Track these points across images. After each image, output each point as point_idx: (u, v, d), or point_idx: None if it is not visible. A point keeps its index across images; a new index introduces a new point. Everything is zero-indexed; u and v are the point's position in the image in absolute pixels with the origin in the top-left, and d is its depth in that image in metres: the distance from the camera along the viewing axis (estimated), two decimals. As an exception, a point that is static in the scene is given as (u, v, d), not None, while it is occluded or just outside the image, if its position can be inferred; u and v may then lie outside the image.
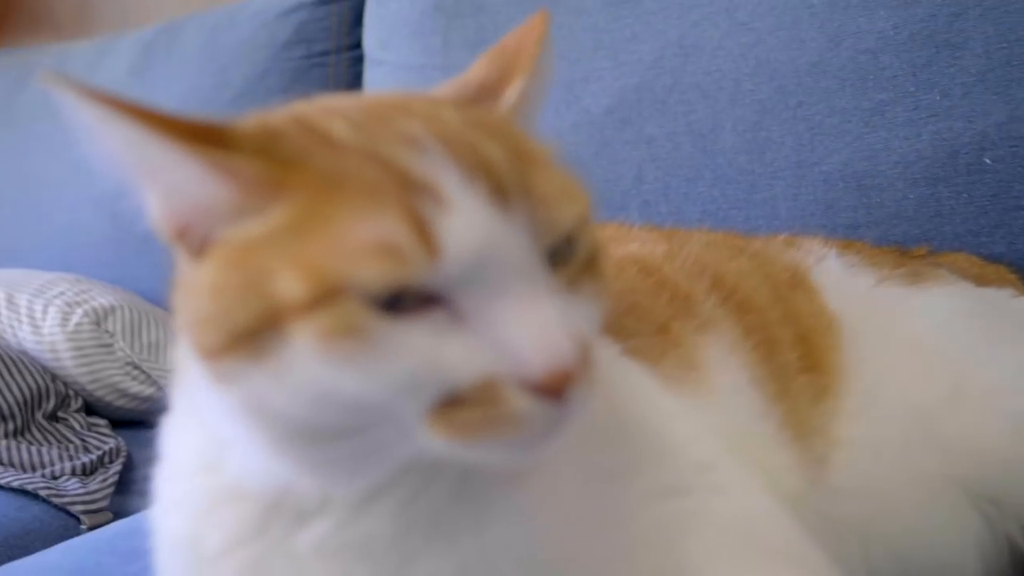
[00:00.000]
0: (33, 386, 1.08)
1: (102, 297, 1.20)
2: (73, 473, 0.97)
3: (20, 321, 1.17)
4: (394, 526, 0.41)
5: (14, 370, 1.08)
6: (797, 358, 0.60)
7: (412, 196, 0.35)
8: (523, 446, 0.38)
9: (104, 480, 0.98)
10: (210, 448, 0.45)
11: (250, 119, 0.40)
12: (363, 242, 0.34)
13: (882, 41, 0.87)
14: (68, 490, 0.95)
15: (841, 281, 0.67)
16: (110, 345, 1.16)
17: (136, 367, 1.16)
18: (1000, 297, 0.70)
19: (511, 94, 0.44)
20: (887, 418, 0.58)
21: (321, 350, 0.35)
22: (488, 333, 0.36)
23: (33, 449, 1.00)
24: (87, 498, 0.95)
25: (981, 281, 0.73)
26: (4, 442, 1.00)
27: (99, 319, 1.17)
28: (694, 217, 0.98)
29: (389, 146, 0.37)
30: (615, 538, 0.45)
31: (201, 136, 0.37)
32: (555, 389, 0.36)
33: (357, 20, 1.32)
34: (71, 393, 1.14)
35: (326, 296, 0.35)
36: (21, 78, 1.63)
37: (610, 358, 0.51)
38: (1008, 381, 0.61)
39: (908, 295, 0.66)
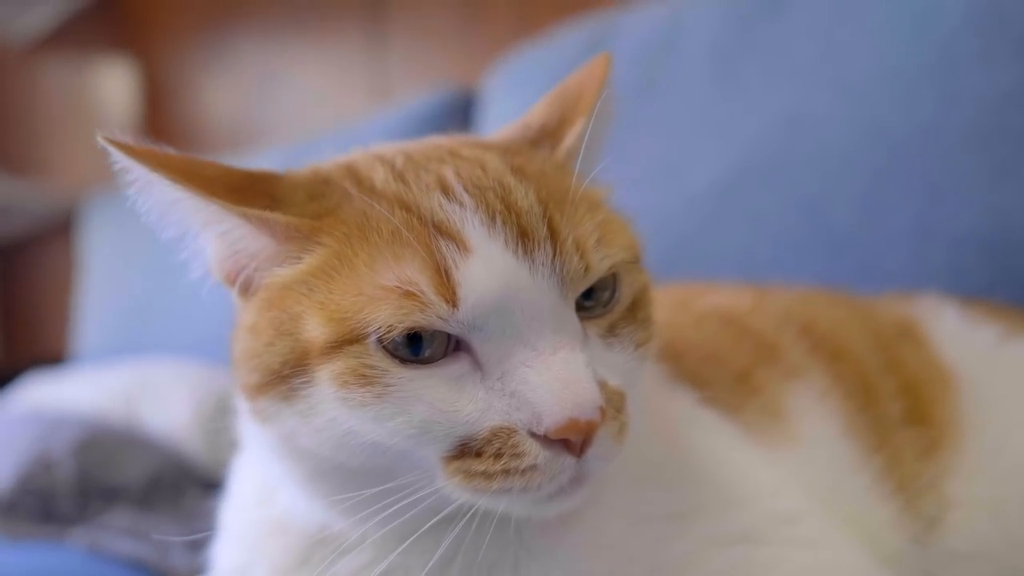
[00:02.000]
0: (158, 463, 1.17)
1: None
2: (185, 545, 1.03)
3: (153, 402, 1.28)
4: (429, 563, 0.42)
5: (142, 449, 1.17)
6: (901, 409, 0.56)
7: (435, 243, 0.37)
8: (544, 498, 0.38)
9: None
10: (264, 483, 0.48)
11: (306, 168, 0.45)
12: (382, 287, 0.37)
13: (1004, 96, 0.84)
14: (176, 561, 1.00)
15: (960, 334, 0.62)
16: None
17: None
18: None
19: (570, 137, 0.46)
20: (1012, 478, 0.52)
21: (339, 393, 0.37)
22: (506, 382, 0.37)
23: (151, 519, 1.07)
24: (193, 568, 0.99)
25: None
26: (127, 512, 1.08)
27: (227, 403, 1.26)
28: (808, 292, 0.95)
29: (422, 194, 0.40)
30: None
31: (243, 192, 0.41)
32: (571, 441, 0.36)
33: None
34: (193, 470, 1.22)
35: (346, 340, 0.37)
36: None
37: (682, 404, 0.50)
38: None
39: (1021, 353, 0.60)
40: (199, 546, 1.07)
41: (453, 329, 0.37)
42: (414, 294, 0.36)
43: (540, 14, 1.46)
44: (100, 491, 1.12)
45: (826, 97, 0.96)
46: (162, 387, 1.31)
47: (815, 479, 0.51)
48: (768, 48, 1.02)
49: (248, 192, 0.41)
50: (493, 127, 1.29)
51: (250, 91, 2.02)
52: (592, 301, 0.41)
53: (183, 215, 0.41)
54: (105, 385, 1.38)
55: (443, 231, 0.38)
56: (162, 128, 2.17)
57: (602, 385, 0.38)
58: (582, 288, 0.40)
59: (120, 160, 0.40)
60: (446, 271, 0.37)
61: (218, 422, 1.30)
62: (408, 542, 0.41)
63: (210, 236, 0.42)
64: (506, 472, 0.37)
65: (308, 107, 1.91)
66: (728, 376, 0.55)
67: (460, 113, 1.36)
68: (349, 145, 0.51)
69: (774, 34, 1.02)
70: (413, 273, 0.37)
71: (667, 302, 0.64)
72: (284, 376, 0.39)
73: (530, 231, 0.38)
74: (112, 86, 2.25)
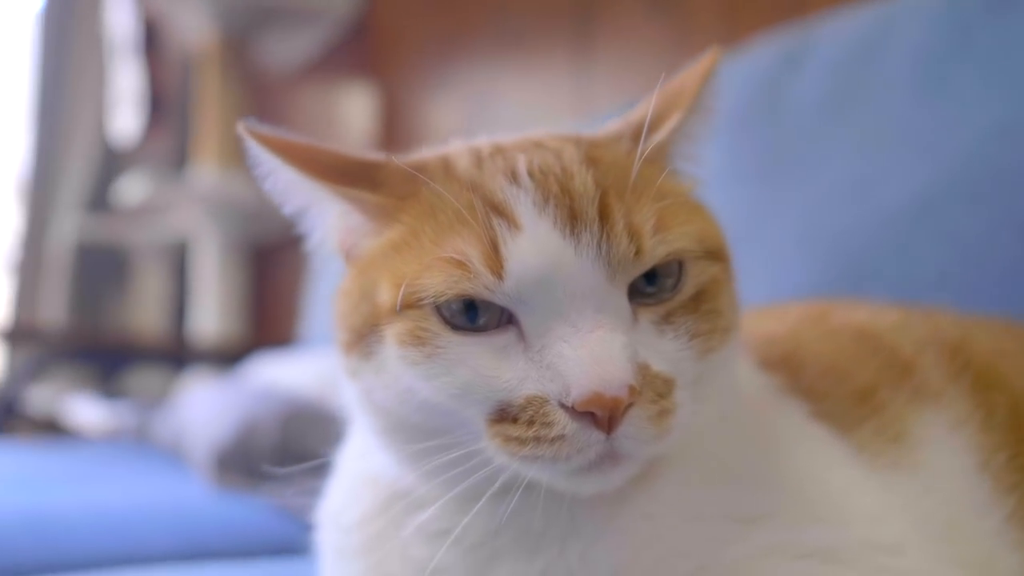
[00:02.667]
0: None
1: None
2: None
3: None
4: (485, 526, 0.44)
5: (333, 425, 1.30)
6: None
7: (490, 220, 0.41)
8: (575, 471, 0.40)
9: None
10: (364, 439, 0.52)
11: (414, 155, 0.50)
12: (440, 257, 0.41)
13: None
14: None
15: None
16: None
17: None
18: None
19: (663, 131, 0.47)
20: None
21: (399, 352, 0.42)
22: (544, 354, 0.40)
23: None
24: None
25: None
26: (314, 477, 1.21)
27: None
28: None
29: (490, 178, 0.43)
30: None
31: (350, 176, 0.46)
32: (600, 415, 0.38)
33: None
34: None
35: (407, 304, 0.41)
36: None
37: (786, 415, 0.49)
38: None
39: None
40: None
41: (500, 300, 0.40)
42: (465, 265, 0.40)
43: (749, 27, 1.42)
44: (296, 457, 1.27)
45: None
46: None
47: (932, 513, 0.46)
48: (987, 52, 0.92)
49: (355, 176, 0.46)
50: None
51: (471, 110, 2.17)
52: (654, 287, 0.42)
53: (299, 193, 0.48)
54: (313, 367, 1.55)
55: (499, 210, 0.41)
56: (396, 145, 2.40)
57: (642, 367, 0.40)
58: (635, 272, 0.41)
59: (251, 147, 0.47)
60: (496, 246, 0.40)
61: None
62: (468, 504, 0.43)
63: (322, 211, 0.48)
64: (537, 439, 0.39)
65: (521, 124, 2.01)
66: (847, 392, 0.51)
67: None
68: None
69: (995, 36, 0.92)
70: (467, 246, 0.40)
71: (803, 315, 0.61)
72: (364, 335, 0.44)
73: (580, 213, 0.40)
74: (356, 109, 2.52)
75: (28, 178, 2.91)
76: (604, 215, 0.41)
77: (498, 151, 0.47)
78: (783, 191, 1.07)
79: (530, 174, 0.43)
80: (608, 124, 0.52)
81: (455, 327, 0.41)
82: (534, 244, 0.40)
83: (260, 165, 0.47)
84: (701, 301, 0.43)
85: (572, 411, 0.38)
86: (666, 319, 0.42)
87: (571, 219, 0.40)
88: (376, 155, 0.49)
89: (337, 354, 0.48)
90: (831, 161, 1.02)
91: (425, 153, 0.50)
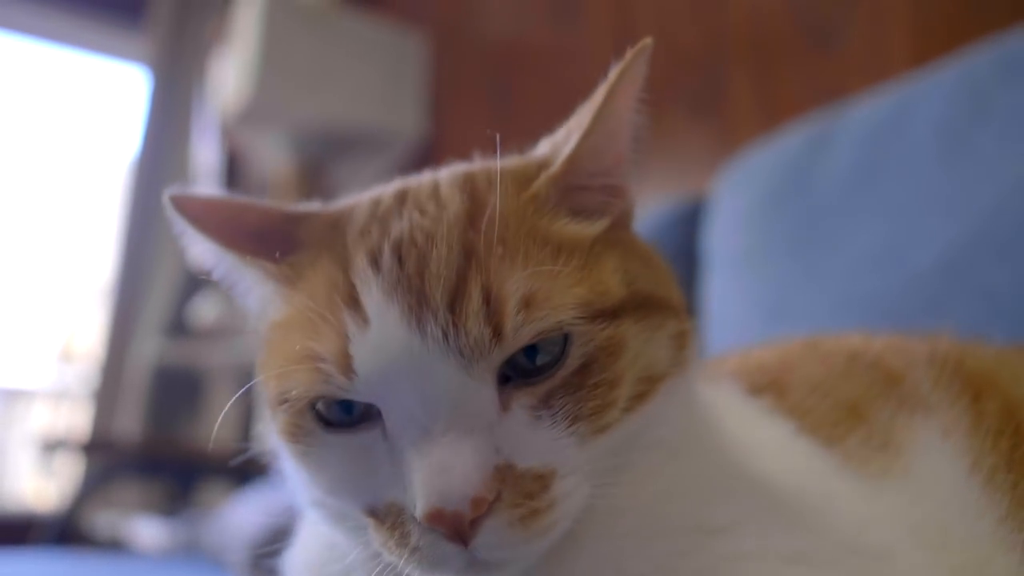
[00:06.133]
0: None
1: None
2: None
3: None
4: None
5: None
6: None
7: (345, 313, 0.39)
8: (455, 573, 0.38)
9: None
10: None
11: (341, 202, 0.49)
12: (302, 355, 0.39)
13: None
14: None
15: None
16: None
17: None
18: None
19: (558, 163, 0.44)
20: None
21: (282, 441, 0.43)
22: (401, 458, 0.38)
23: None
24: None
25: None
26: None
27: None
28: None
29: (357, 254, 0.41)
30: None
31: (265, 240, 0.45)
32: (448, 530, 0.36)
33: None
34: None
35: (280, 400, 0.41)
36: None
37: (766, 431, 0.51)
38: None
39: None
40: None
41: (359, 398, 0.38)
42: (320, 363, 0.38)
43: (789, 118, 1.50)
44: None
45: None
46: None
47: (923, 518, 0.47)
48: (1003, 116, 0.97)
49: (272, 238, 0.45)
50: (718, 233, 1.34)
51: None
52: (534, 363, 0.38)
53: (219, 262, 0.47)
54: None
55: (352, 300, 0.39)
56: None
57: (502, 470, 0.37)
58: (500, 358, 0.38)
59: (169, 213, 0.46)
60: (346, 343, 0.38)
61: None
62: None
63: (245, 278, 0.48)
64: (400, 546, 0.38)
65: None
66: (832, 406, 0.53)
67: (688, 221, 1.43)
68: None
69: (1010, 101, 0.97)
70: (323, 344, 0.39)
71: (796, 343, 0.64)
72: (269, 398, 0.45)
73: (428, 298, 0.37)
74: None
75: (113, 301, 3.18)
76: (457, 295, 0.37)
77: (392, 205, 0.44)
78: (816, 262, 1.10)
79: (394, 250, 0.40)
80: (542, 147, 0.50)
81: (327, 423, 0.40)
82: (378, 340, 0.37)
83: (179, 230, 0.47)
84: (588, 374, 0.39)
85: (422, 524, 0.37)
86: (544, 402, 0.39)
87: (418, 306, 0.37)
88: (307, 209, 0.48)
89: None
90: (861, 230, 1.07)
91: (349, 201, 0.49)
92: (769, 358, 0.62)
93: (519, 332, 0.37)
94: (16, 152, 3.60)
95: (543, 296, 0.38)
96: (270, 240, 0.45)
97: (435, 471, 0.36)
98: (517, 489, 0.37)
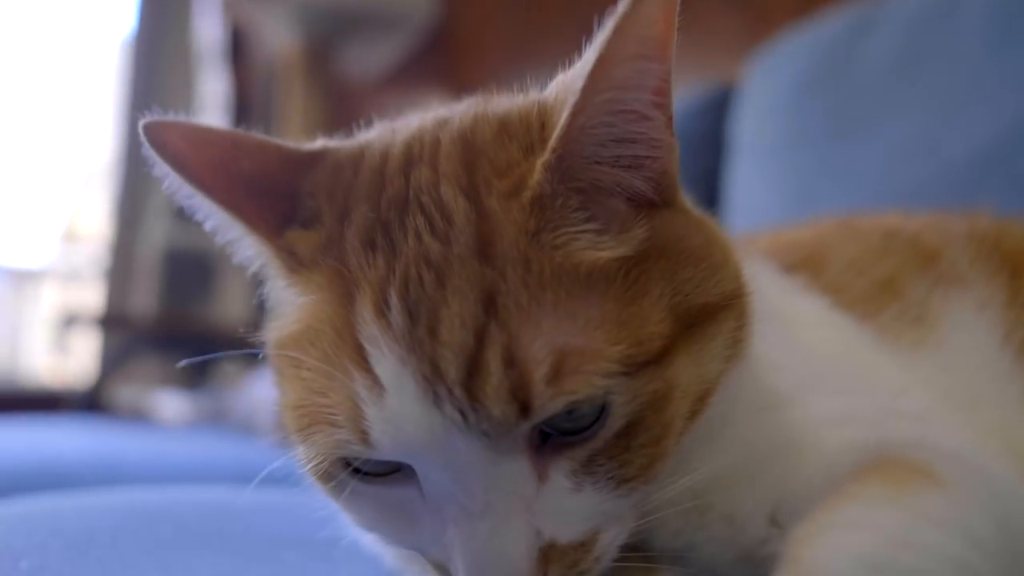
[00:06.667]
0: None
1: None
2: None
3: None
4: None
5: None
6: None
7: (355, 371, 0.34)
8: None
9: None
10: None
11: (341, 151, 0.43)
12: (318, 405, 0.36)
13: None
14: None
15: None
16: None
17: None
18: None
19: (551, 144, 0.36)
20: None
21: (311, 479, 0.39)
22: (443, 526, 0.35)
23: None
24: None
25: None
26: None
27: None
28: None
29: (364, 290, 0.36)
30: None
31: (268, 197, 0.40)
32: None
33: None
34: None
35: (303, 441, 0.37)
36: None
37: (804, 308, 0.52)
38: None
39: None
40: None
41: (387, 458, 0.36)
42: (335, 431, 0.35)
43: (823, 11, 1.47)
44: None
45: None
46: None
47: (955, 386, 0.50)
48: (1056, 3, 0.96)
49: (271, 191, 0.40)
50: (748, 120, 1.34)
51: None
52: (571, 423, 0.34)
53: (208, 212, 0.42)
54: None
55: (361, 360, 0.35)
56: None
57: (548, 551, 0.35)
58: (528, 429, 0.34)
59: (143, 146, 0.40)
60: (359, 408, 0.34)
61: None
62: None
63: (240, 237, 0.42)
64: None
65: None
66: (868, 282, 0.55)
67: (716, 108, 1.42)
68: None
69: (1064, -13, 0.95)
70: (335, 405, 0.35)
71: (831, 222, 0.66)
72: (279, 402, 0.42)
73: (444, 375, 0.33)
74: (434, 113, 2.65)
75: (116, 182, 3.17)
76: (475, 368, 0.33)
77: (395, 205, 0.38)
78: (849, 151, 1.11)
79: (402, 298, 0.35)
80: (513, 109, 0.41)
81: (354, 470, 0.37)
82: (394, 414, 0.34)
83: (156, 165, 0.41)
84: (635, 433, 0.35)
85: None
86: (586, 467, 0.35)
87: (433, 379, 0.33)
88: (306, 151, 0.43)
89: None
90: (899, 119, 1.07)
91: (354, 147, 0.43)
92: (802, 236, 0.63)
93: (549, 405, 0.33)
94: (11, 29, 3.50)
95: (576, 359, 0.33)
96: (270, 194, 0.40)
97: (478, 562, 0.34)
98: (562, 563, 0.35)
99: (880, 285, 0.55)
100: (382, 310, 0.35)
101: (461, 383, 0.33)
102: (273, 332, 0.41)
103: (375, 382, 0.34)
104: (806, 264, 0.56)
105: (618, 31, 0.34)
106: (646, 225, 0.38)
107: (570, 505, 0.35)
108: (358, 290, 0.36)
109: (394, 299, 0.35)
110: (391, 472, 0.36)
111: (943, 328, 0.53)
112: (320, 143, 0.45)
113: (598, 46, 0.34)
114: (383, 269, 0.36)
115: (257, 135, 0.43)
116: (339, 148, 0.43)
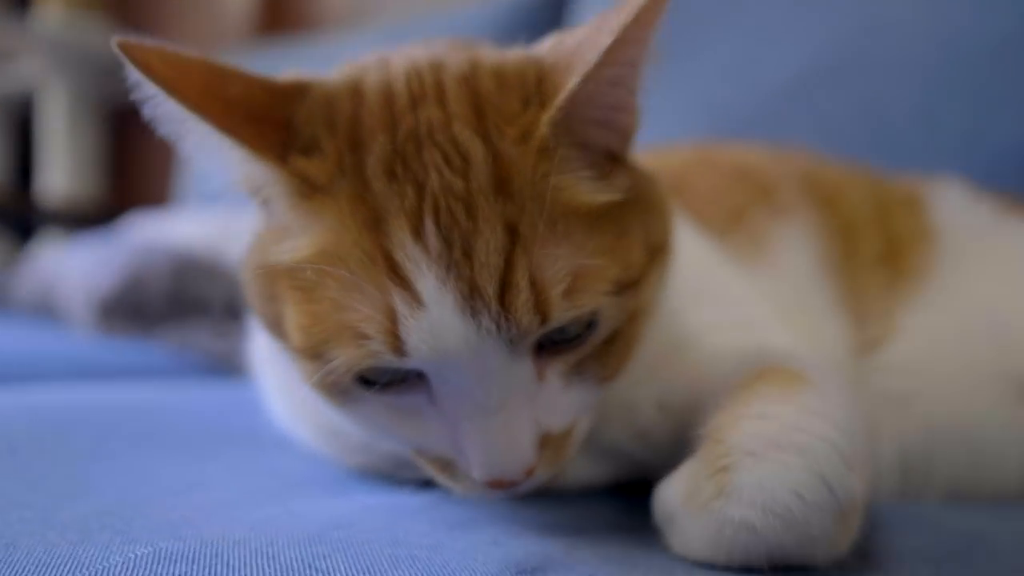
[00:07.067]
0: (235, 290, 1.37)
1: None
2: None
3: (236, 240, 1.47)
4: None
5: (223, 277, 1.37)
6: (878, 252, 0.66)
7: (392, 288, 0.38)
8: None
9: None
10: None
11: (334, 83, 0.44)
12: (344, 323, 0.39)
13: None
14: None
15: (957, 205, 0.71)
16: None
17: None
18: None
19: (553, 108, 0.41)
20: (957, 313, 0.62)
21: (316, 390, 0.42)
22: (454, 424, 0.40)
23: (231, 328, 1.27)
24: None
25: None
26: (210, 321, 1.28)
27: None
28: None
29: (395, 217, 0.39)
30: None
31: (261, 123, 0.41)
32: (501, 490, 0.41)
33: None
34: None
35: (316, 356, 0.40)
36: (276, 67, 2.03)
37: (681, 227, 0.58)
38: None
39: (1015, 226, 0.70)
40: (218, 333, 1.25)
41: (408, 367, 0.40)
42: (368, 339, 0.38)
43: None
44: (188, 304, 1.33)
45: (908, 5, 1.02)
46: (244, 227, 1.50)
47: (783, 296, 0.61)
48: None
49: (263, 120, 0.41)
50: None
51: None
52: (562, 334, 0.41)
53: (190, 133, 0.42)
54: (198, 225, 1.58)
55: (401, 278, 0.38)
56: (278, 7, 2.35)
57: (544, 438, 0.41)
58: (540, 334, 0.40)
59: (129, 71, 0.40)
60: (395, 320, 0.38)
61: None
62: None
63: (222, 155, 0.42)
64: (448, 478, 0.43)
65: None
66: (722, 210, 0.65)
67: (550, 8, 1.45)
68: (440, 33, 0.50)
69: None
70: (367, 321, 0.38)
71: (689, 153, 0.75)
72: (273, 332, 0.45)
73: (480, 290, 0.38)
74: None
75: None
76: (506, 286, 0.38)
77: (410, 139, 0.41)
78: (672, 69, 1.20)
79: (435, 223, 0.39)
80: (510, 59, 0.45)
81: (368, 383, 0.41)
82: (434, 326, 0.38)
83: (139, 88, 0.41)
84: (614, 340, 0.43)
85: (474, 479, 0.41)
86: (575, 369, 0.42)
87: (471, 297, 0.38)
88: (293, 81, 0.44)
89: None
90: (725, 42, 1.16)
91: (342, 80, 0.45)
92: (669, 165, 0.69)
93: (562, 316, 0.39)
94: None
95: (583, 282, 0.40)
96: (264, 121, 0.42)
97: (493, 448, 0.40)
98: (552, 448, 0.42)
99: (731, 213, 0.65)
100: (420, 235, 0.39)
101: (496, 299, 0.38)
102: (268, 255, 0.43)
103: (414, 298, 0.38)
104: (673, 192, 0.60)
105: (637, 20, 0.39)
106: (626, 176, 0.44)
107: (561, 400, 0.42)
108: (389, 216, 0.39)
109: (429, 226, 0.39)
110: (399, 382, 0.41)
111: (775, 250, 0.64)
112: (293, 75, 0.46)
113: (617, 28, 0.39)
114: (413, 198, 0.39)
115: (240, 68, 0.43)
116: (326, 82, 0.45)
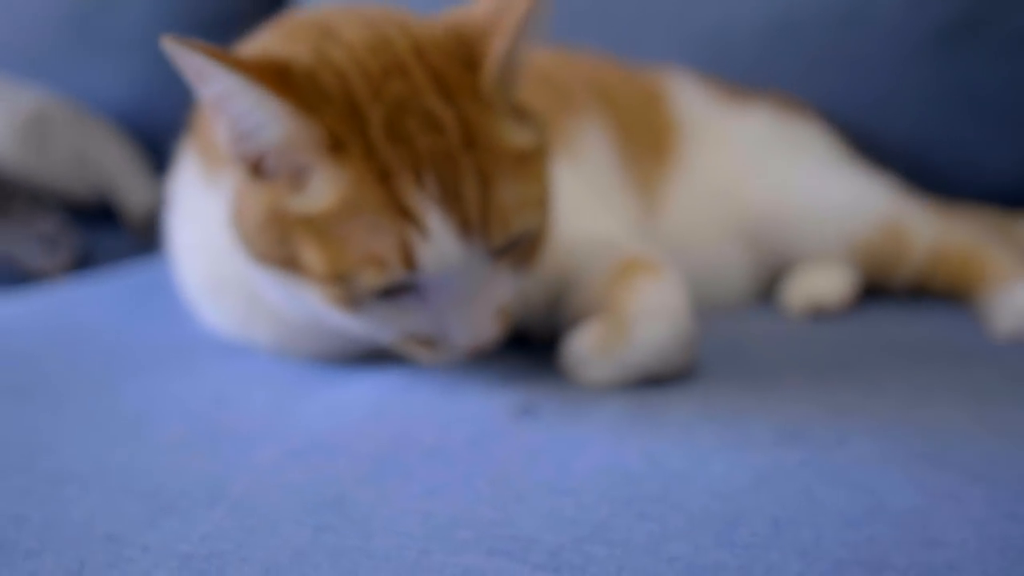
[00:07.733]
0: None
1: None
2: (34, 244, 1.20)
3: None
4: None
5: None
6: (648, 142, 0.90)
7: (404, 225, 0.51)
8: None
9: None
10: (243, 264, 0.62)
11: (315, 55, 0.54)
12: (365, 253, 0.52)
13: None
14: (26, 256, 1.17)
15: (689, 96, 0.97)
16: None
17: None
18: (793, 122, 1.00)
19: (493, 62, 0.54)
20: (702, 184, 0.91)
21: (325, 302, 0.55)
22: (442, 313, 0.56)
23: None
24: (43, 265, 1.17)
25: (785, 110, 1.02)
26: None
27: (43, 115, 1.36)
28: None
29: (402, 172, 0.51)
30: None
31: (287, 79, 0.52)
32: (476, 350, 0.58)
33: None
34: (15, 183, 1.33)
35: (335, 280, 0.53)
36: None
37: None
38: (780, 175, 0.93)
39: (738, 111, 0.98)
40: (47, 245, 1.22)
41: (410, 282, 0.54)
42: (386, 262, 0.52)
43: None
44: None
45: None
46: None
47: (593, 181, 0.81)
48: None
49: (295, 85, 0.52)
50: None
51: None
52: (506, 246, 0.55)
53: (259, 115, 0.52)
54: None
55: (411, 217, 0.51)
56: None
57: (500, 313, 0.57)
58: (503, 243, 0.55)
59: (192, 64, 0.50)
60: (410, 248, 0.52)
61: (35, 136, 1.37)
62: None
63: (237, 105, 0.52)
64: (432, 353, 0.59)
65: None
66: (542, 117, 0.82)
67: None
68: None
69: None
70: (387, 250, 0.52)
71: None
72: (279, 265, 0.55)
73: (471, 221, 0.52)
74: None
75: None
76: (487, 217, 0.53)
77: (398, 108, 0.52)
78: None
79: (432, 175, 0.52)
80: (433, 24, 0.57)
81: (377, 294, 0.54)
82: (439, 249, 0.52)
83: (217, 89, 0.51)
84: (539, 242, 0.58)
85: (455, 347, 0.58)
86: (516, 262, 0.57)
87: (465, 226, 0.52)
88: (274, 59, 0.53)
89: (236, 234, 0.57)
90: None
91: (319, 59, 0.54)
92: None
93: (516, 231, 0.54)
94: None
95: (529, 207, 0.55)
96: (288, 86, 0.52)
97: (475, 326, 0.56)
98: (502, 319, 0.58)
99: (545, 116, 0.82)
100: (422, 184, 0.52)
101: (482, 226, 0.53)
102: (283, 205, 0.54)
103: (423, 231, 0.51)
104: None
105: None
106: (524, 112, 0.58)
107: (508, 285, 0.57)
108: (394, 171, 0.51)
109: (430, 177, 0.52)
110: (397, 290, 0.54)
111: (580, 144, 0.82)
112: (261, 48, 0.58)
113: (525, 6, 0.52)
114: (409, 157, 0.52)
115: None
116: (296, 58, 0.54)
